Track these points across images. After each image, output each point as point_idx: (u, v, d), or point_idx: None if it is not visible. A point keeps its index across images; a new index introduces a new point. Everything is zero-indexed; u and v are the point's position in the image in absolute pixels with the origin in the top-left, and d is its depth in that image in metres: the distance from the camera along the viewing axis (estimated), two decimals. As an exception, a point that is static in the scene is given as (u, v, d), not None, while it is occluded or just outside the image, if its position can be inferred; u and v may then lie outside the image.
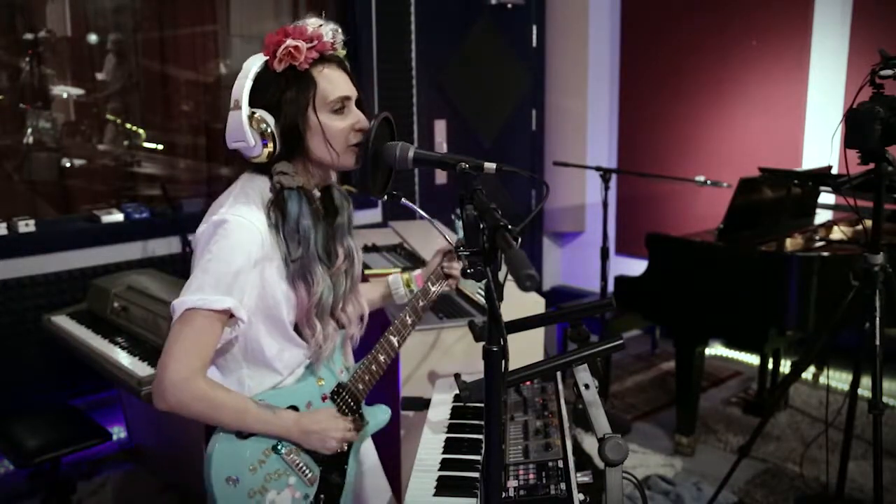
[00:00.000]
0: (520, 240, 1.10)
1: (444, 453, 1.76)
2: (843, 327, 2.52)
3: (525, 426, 1.71)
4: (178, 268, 3.36)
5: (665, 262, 3.40)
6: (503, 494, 1.42)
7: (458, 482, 1.63)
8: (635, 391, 4.09)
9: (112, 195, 3.68)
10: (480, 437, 1.80)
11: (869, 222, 2.41)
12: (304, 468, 1.56)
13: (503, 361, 1.17)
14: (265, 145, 1.46)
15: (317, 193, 1.57)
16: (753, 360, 4.36)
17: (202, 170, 4.00)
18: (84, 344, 2.74)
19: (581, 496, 1.45)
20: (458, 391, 1.66)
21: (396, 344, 1.74)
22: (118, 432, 3.36)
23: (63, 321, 2.94)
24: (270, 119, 1.46)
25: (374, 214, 4.30)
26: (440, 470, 1.68)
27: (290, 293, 1.52)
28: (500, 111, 4.96)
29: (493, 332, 1.17)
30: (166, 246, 3.50)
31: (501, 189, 4.90)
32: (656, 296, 3.44)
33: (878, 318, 2.33)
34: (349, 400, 1.67)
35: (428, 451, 1.77)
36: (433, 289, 1.82)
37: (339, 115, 1.50)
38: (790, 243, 3.27)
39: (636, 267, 3.87)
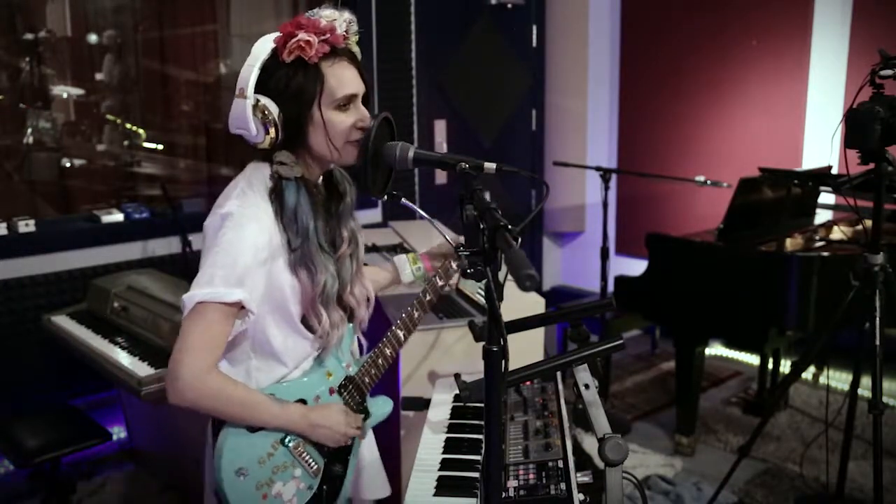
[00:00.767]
0: (520, 240, 1.10)
1: (444, 453, 1.76)
2: (843, 327, 2.52)
3: (525, 426, 1.71)
4: (178, 268, 3.36)
5: (665, 262, 3.40)
6: (503, 494, 1.42)
7: (458, 482, 1.63)
8: (635, 391, 4.09)
9: (112, 195, 3.69)
10: (480, 437, 1.80)
11: (869, 222, 2.41)
12: (310, 460, 1.57)
13: (503, 361, 1.17)
14: (267, 132, 1.46)
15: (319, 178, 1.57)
16: (753, 360, 4.36)
17: (202, 170, 4.00)
18: (84, 344, 2.74)
19: (581, 496, 1.45)
20: (458, 391, 1.65)
21: (403, 338, 1.75)
22: (118, 432, 3.36)
23: (63, 321, 2.94)
24: (274, 108, 1.45)
25: (374, 214, 4.30)
26: (440, 470, 1.69)
27: (296, 283, 1.51)
28: (500, 111, 4.96)
29: (493, 332, 1.17)
30: (166, 246, 3.50)
31: (501, 189, 4.90)
32: (656, 296, 3.44)
33: (878, 318, 2.33)
34: (355, 393, 1.68)
35: (428, 450, 1.77)
36: (440, 283, 1.82)
37: (343, 110, 1.50)
38: (790, 243, 3.26)
39: (636, 267, 3.87)
